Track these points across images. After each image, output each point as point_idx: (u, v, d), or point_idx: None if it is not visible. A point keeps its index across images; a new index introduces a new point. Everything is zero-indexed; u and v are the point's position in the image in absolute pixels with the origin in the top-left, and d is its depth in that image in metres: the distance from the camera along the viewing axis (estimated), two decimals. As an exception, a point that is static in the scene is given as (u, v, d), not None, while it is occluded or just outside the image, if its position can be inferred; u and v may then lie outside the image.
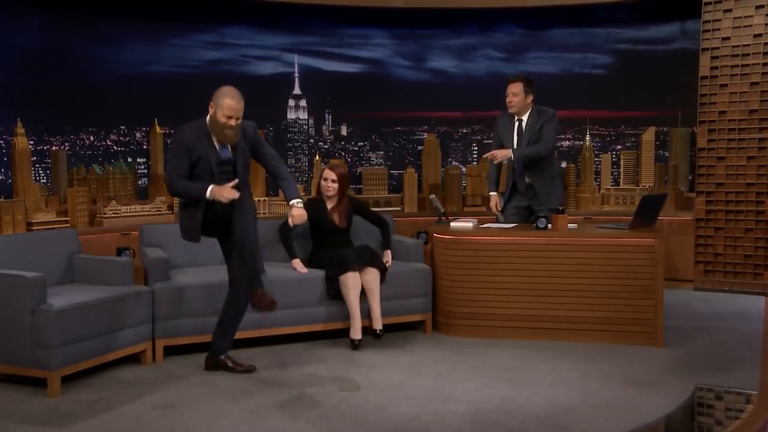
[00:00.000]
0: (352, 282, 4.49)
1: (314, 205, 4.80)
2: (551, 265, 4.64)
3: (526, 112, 5.06)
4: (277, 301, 3.84)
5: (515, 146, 5.04)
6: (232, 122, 3.77)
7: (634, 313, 4.54)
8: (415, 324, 4.98)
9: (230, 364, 4.05)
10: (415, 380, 3.91)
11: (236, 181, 3.77)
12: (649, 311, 4.52)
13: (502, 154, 4.99)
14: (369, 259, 4.58)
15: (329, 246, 4.77)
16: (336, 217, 4.83)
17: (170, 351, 4.31)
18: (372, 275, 4.56)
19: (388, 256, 4.89)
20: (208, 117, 3.84)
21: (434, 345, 4.62)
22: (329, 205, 4.85)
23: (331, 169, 4.85)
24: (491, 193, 5.33)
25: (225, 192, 3.66)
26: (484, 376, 3.97)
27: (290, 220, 3.90)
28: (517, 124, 5.09)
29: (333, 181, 4.80)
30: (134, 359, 4.19)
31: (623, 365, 4.14)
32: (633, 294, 4.54)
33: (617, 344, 4.53)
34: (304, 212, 3.90)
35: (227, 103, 3.75)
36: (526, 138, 5.01)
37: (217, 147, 3.85)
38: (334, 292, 4.55)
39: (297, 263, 4.67)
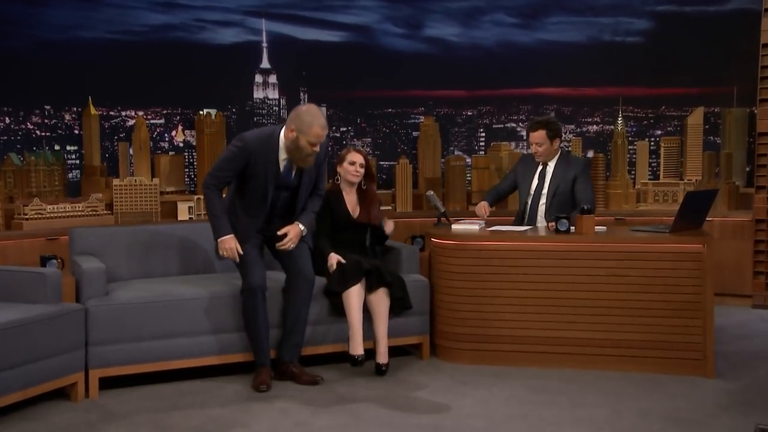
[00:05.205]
0: (356, 299, 4.56)
1: (330, 196, 4.90)
2: (575, 277, 4.64)
3: (553, 158, 5.34)
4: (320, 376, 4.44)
5: (532, 191, 5.35)
6: (317, 148, 4.29)
7: (677, 336, 4.54)
8: (410, 348, 4.98)
9: (295, 371, 4.43)
10: (410, 417, 3.90)
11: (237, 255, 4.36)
12: (695, 333, 4.52)
13: None
14: (379, 276, 4.64)
15: (340, 244, 4.83)
16: (352, 208, 4.95)
17: (108, 383, 4.27)
18: (381, 296, 4.63)
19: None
20: (282, 134, 4.33)
21: (433, 374, 4.62)
22: (346, 195, 4.97)
23: (358, 152, 4.99)
24: (483, 202, 5.49)
25: (227, 250, 4.33)
26: (493, 412, 3.96)
27: (282, 242, 4.43)
28: (540, 168, 5.38)
29: (361, 165, 4.92)
30: (62, 395, 4.14)
31: (664, 400, 4.15)
32: (676, 312, 4.54)
33: (657, 374, 4.53)
34: (297, 238, 4.47)
35: (316, 132, 4.24)
36: (553, 187, 5.27)
37: (282, 167, 4.38)
38: (338, 308, 4.63)
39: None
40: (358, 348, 4.52)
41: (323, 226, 4.86)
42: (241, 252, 4.34)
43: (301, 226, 4.50)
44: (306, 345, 4.60)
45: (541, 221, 5.29)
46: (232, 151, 4.35)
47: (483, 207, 5.44)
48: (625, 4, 7.32)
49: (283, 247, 4.45)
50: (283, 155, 4.36)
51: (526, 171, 5.44)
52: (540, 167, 5.37)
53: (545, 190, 5.32)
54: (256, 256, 4.45)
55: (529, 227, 5.13)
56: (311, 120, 4.23)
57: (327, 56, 7.50)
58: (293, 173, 4.44)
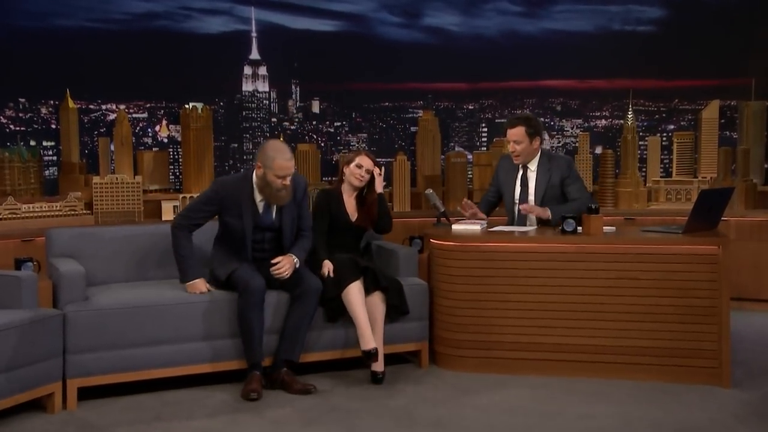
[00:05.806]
0: (357, 295, 4.58)
1: (330, 196, 5.05)
2: (582, 280, 4.63)
3: (533, 159, 5.23)
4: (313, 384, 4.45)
5: (517, 199, 5.26)
6: (286, 181, 4.48)
7: (691, 343, 4.54)
8: (408, 356, 4.97)
9: (286, 379, 4.45)
10: (407, 428, 3.90)
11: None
12: (710, 340, 4.51)
13: (539, 213, 5.08)
14: (374, 279, 4.66)
15: (335, 246, 4.92)
16: (351, 212, 5.05)
17: (86, 394, 4.25)
18: (376, 302, 4.65)
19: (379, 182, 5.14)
20: (254, 174, 4.54)
21: (432, 383, 4.62)
22: (347, 197, 5.07)
23: (369, 157, 5.07)
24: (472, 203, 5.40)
25: (196, 291, 4.50)
26: (496, 423, 3.95)
27: (276, 266, 4.48)
28: (521, 173, 5.27)
29: (368, 171, 5.01)
30: (37, 406, 4.12)
31: (678, 411, 4.14)
32: (690, 318, 4.53)
33: (669, 383, 4.52)
34: (291, 267, 4.52)
35: (278, 164, 4.43)
36: (540, 194, 5.18)
37: (261, 209, 4.59)
38: (333, 314, 4.65)
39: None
40: (369, 342, 4.53)
41: (320, 226, 4.90)
42: (211, 289, 4.54)
43: (295, 258, 4.57)
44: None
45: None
46: (206, 194, 4.65)
47: (467, 203, 5.31)
48: (636, -10, 7.33)
49: (277, 272, 4.50)
50: (259, 196, 4.57)
51: (508, 175, 5.32)
52: (521, 171, 5.26)
53: (531, 198, 5.21)
54: (253, 269, 4.53)
55: (533, 227, 5.11)
56: (274, 153, 4.44)
57: (320, 47, 7.49)
58: (273, 214, 4.62)
